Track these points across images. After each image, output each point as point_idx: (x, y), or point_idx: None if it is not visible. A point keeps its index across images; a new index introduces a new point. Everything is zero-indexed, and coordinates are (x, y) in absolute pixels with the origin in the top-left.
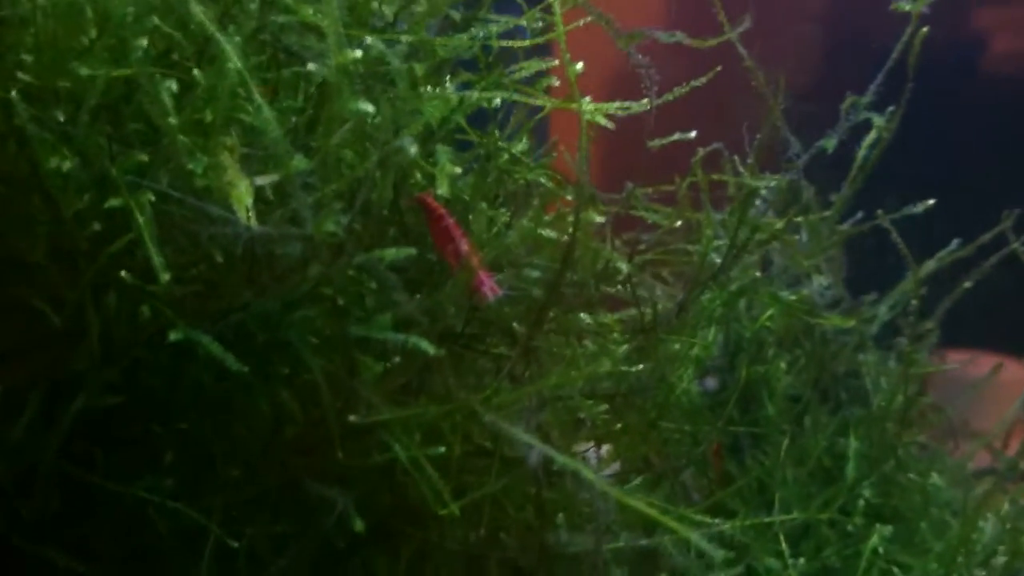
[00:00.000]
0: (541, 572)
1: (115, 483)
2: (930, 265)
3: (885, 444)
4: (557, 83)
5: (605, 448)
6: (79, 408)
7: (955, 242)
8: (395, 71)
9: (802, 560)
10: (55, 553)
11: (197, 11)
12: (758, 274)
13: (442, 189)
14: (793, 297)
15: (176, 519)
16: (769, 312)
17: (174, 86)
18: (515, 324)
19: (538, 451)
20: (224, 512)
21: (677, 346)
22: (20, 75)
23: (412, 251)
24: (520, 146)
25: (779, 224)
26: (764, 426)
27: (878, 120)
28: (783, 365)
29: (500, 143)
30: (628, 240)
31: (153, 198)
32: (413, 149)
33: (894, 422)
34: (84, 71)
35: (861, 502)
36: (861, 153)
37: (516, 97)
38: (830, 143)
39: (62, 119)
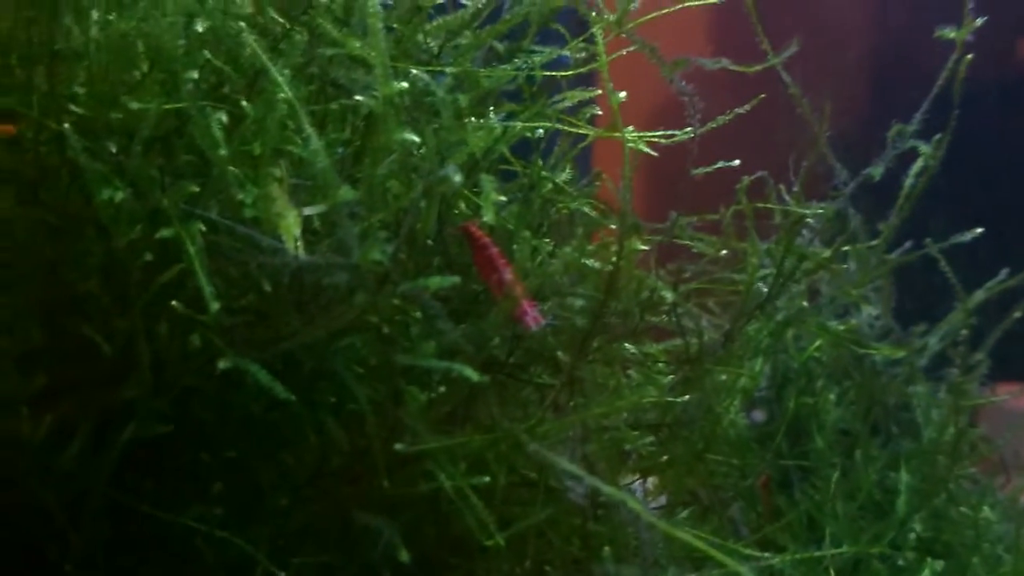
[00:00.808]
0: None
1: (164, 512)
2: (979, 295)
3: (936, 478)
4: (600, 112)
5: (651, 480)
6: (129, 437)
7: (1004, 272)
8: (440, 102)
9: None
10: None
11: (251, 41)
12: (805, 304)
13: (487, 217)
14: (841, 327)
15: (224, 549)
16: (817, 343)
17: (224, 118)
18: (559, 353)
19: (584, 484)
20: (271, 542)
21: (724, 377)
22: (73, 108)
23: (456, 280)
24: (564, 175)
25: (826, 253)
26: (813, 459)
27: (924, 148)
28: (832, 397)
29: (544, 172)
30: (673, 269)
31: (203, 229)
32: (458, 179)
33: (945, 455)
34: (136, 104)
35: (912, 536)
36: (908, 181)
37: (559, 127)
38: (877, 171)
39: (114, 151)
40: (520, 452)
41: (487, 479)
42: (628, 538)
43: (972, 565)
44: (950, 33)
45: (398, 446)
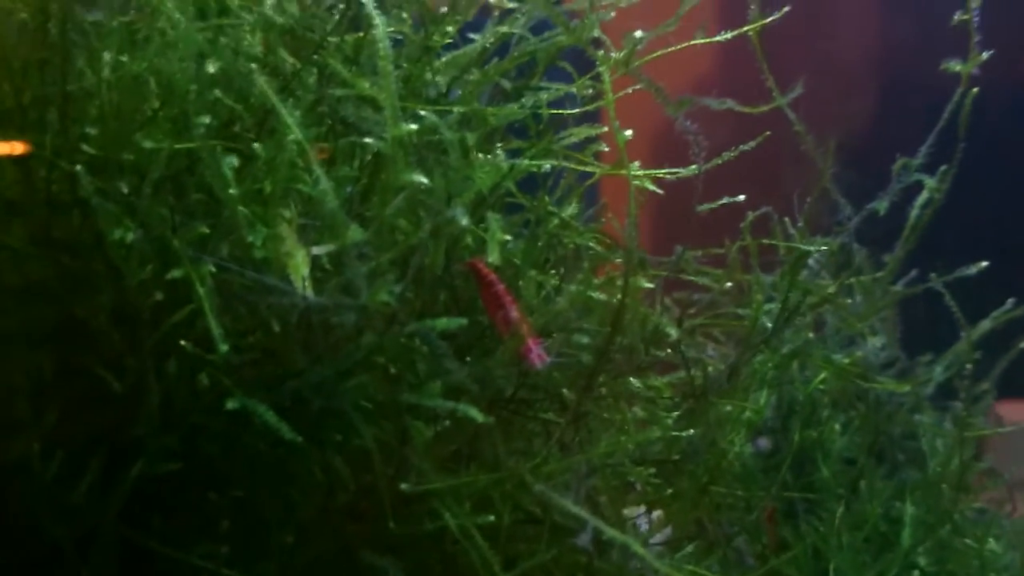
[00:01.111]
0: None
1: (172, 549)
2: (985, 325)
3: (941, 509)
4: (607, 149)
5: (656, 513)
6: (138, 474)
7: (1010, 302)
8: (448, 140)
9: None
10: None
11: (261, 83)
12: (811, 336)
13: (492, 257)
14: (846, 359)
15: None
16: (823, 375)
17: (235, 159)
18: (565, 390)
19: (589, 528)
20: None
21: (728, 409)
22: (85, 148)
23: (463, 321)
24: (570, 210)
25: (831, 287)
26: (819, 490)
27: (930, 182)
28: (837, 427)
29: (550, 208)
30: (679, 301)
31: (213, 269)
32: (465, 220)
33: (951, 486)
34: (147, 144)
35: (916, 572)
36: (913, 213)
37: (565, 163)
38: (882, 206)
39: (126, 191)
40: (525, 490)
41: (492, 518)
42: (632, 575)
43: None
44: (956, 67)
45: (403, 486)
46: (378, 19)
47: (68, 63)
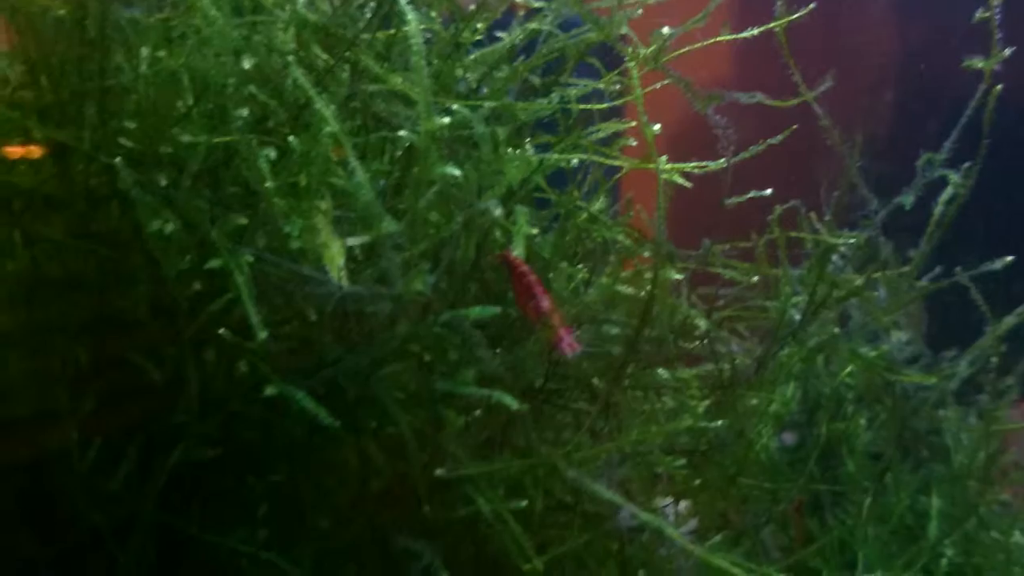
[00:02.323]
0: None
1: (210, 534)
2: (1009, 321)
3: (967, 502)
4: (634, 143)
5: (684, 504)
6: (177, 460)
7: None
8: (479, 135)
9: None
10: None
11: (299, 77)
12: (836, 330)
13: (518, 250)
14: (872, 353)
15: (268, 570)
16: (848, 368)
17: (271, 152)
18: (595, 380)
19: (627, 511)
20: (314, 563)
21: (755, 402)
22: (123, 141)
23: (496, 310)
24: (598, 204)
25: (857, 281)
26: (845, 483)
27: (954, 177)
28: (863, 421)
29: (579, 202)
30: (705, 296)
31: (251, 259)
32: (497, 211)
33: (976, 480)
34: (185, 137)
35: (944, 561)
36: (938, 209)
37: (594, 158)
38: (908, 200)
39: (164, 183)
40: (557, 477)
41: (524, 503)
42: (663, 562)
43: None
44: (978, 64)
45: (438, 472)
46: (411, 16)
47: (106, 59)
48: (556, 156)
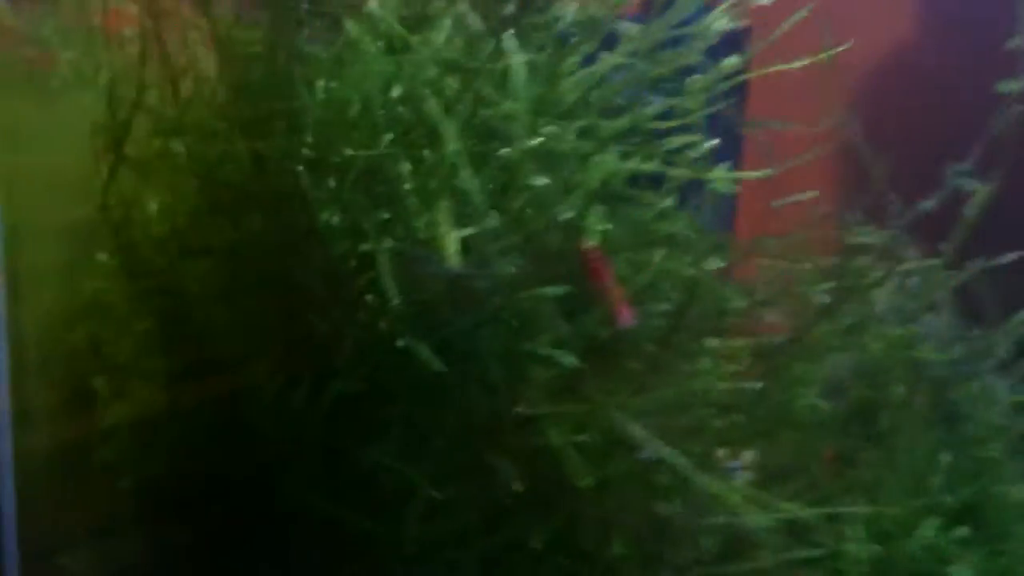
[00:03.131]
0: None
1: (359, 447)
2: None
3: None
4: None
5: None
6: (337, 393)
7: None
8: (568, 149)
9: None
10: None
11: (432, 105)
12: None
13: (591, 241)
14: (899, 332)
15: (398, 478)
16: (881, 345)
17: (408, 164)
18: (648, 345)
19: (652, 447)
20: (431, 475)
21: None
22: (304, 151)
23: (565, 289)
24: (667, 203)
25: (883, 273)
26: (880, 440)
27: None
28: (900, 391)
29: (649, 201)
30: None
31: (390, 244)
32: (572, 213)
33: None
34: (348, 151)
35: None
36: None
37: (665, 169)
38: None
39: (332, 185)
40: (608, 419)
41: (583, 438)
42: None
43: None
44: (1012, 85)
45: (519, 409)
46: (518, 55)
47: (291, 85)
48: (633, 164)
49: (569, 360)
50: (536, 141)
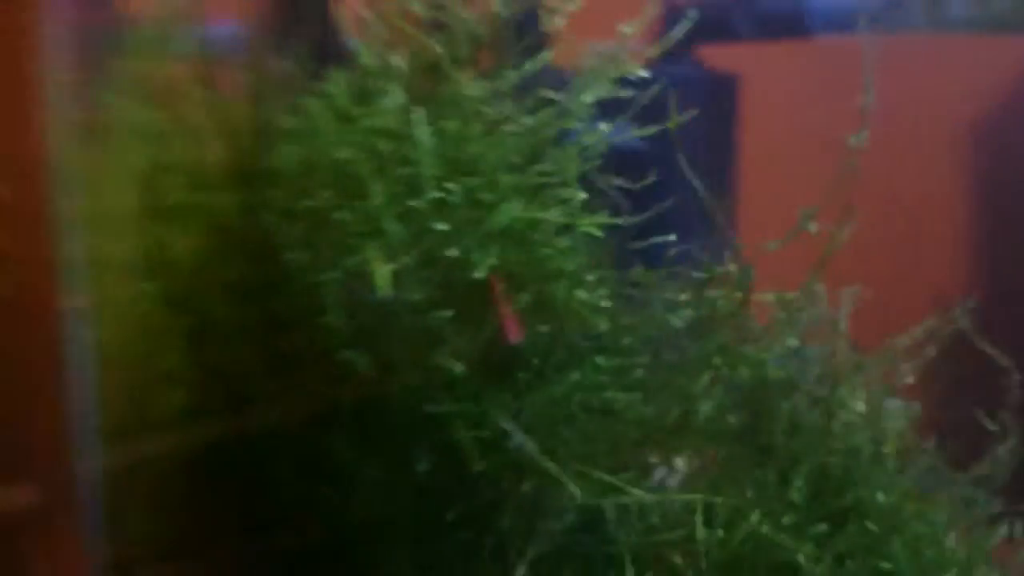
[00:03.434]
0: None
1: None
2: None
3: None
4: None
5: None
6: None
7: None
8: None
9: None
10: None
11: (364, 166)
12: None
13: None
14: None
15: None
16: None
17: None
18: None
19: (521, 440)
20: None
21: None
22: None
23: (451, 313)
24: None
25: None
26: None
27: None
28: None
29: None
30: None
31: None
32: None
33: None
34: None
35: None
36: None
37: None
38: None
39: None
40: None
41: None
42: None
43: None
44: None
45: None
46: (423, 126)
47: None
48: (528, 213)
49: (458, 368)
50: (438, 194)
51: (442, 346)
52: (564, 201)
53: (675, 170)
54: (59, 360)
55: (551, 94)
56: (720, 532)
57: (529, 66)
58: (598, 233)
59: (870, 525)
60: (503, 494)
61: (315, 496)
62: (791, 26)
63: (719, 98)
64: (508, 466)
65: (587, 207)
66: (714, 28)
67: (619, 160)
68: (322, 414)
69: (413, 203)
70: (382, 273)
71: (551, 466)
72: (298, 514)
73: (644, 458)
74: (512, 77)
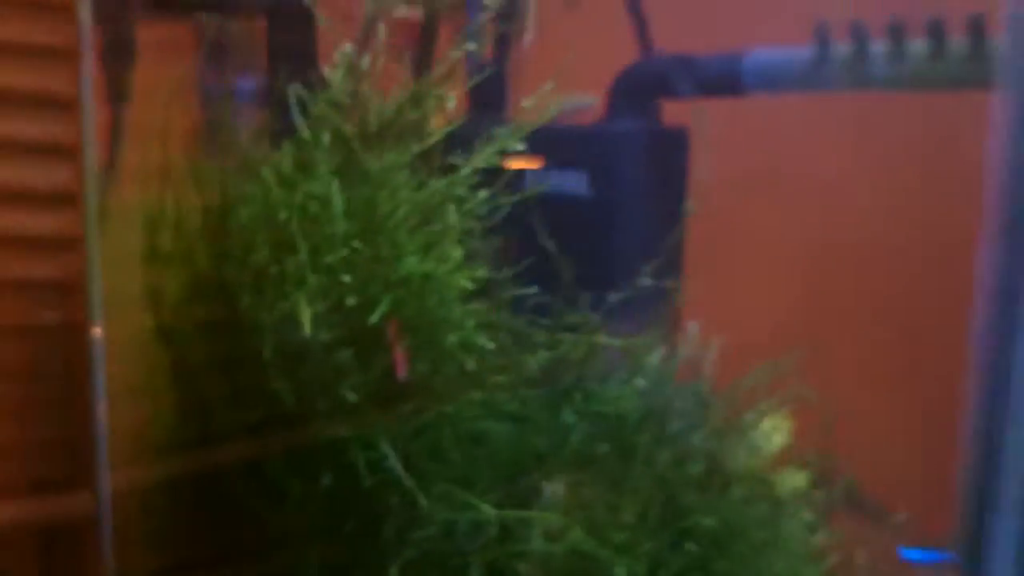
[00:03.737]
0: None
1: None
2: None
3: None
4: None
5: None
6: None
7: None
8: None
9: None
10: None
11: (293, 225)
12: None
13: (373, 319)
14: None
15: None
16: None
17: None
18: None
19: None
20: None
21: None
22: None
23: (359, 349)
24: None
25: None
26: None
27: None
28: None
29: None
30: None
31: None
32: (356, 301)
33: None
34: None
35: None
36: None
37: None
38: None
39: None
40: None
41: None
42: None
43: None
44: None
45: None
46: (336, 193)
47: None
48: (425, 266)
49: (352, 397)
50: (345, 252)
51: (345, 379)
52: (448, 257)
53: (627, 217)
54: (92, 384)
55: (454, 159)
56: (553, 546)
57: (435, 136)
58: (472, 286)
59: (690, 547)
60: (387, 508)
61: (253, 508)
62: (727, 85)
63: (673, 150)
64: (389, 484)
65: (476, 259)
66: (659, 86)
67: (571, 209)
68: (259, 436)
69: (328, 259)
70: (305, 317)
71: (410, 484)
72: (239, 524)
73: (533, 482)
74: (414, 148)
